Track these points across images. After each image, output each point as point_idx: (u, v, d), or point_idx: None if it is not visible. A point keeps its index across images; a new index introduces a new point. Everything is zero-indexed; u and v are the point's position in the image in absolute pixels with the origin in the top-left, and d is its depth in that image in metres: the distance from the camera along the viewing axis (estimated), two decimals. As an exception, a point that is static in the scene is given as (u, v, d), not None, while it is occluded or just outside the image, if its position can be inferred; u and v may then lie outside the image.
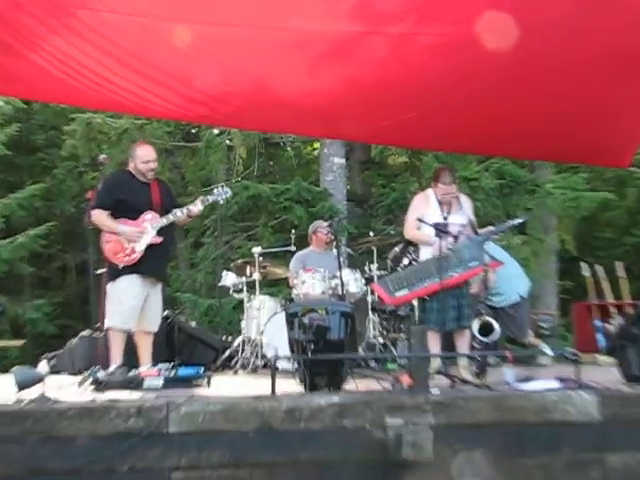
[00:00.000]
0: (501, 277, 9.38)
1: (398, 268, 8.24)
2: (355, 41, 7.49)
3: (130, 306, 7.79)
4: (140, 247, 7.82)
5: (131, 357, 8.10)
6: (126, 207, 7.88)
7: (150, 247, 7.85)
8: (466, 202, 8.30)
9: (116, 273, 7.82)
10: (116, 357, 7.76)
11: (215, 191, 8.43)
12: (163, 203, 8.07)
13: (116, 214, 7.89)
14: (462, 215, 8.08)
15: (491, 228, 8.47)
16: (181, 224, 8.51)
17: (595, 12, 7.09)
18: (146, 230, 7.86)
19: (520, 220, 8.76)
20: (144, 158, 8.09)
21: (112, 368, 7.61)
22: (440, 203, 8.10)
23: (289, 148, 17.85)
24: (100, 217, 7.87)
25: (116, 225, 7.81)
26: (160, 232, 7.92)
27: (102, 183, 8.11)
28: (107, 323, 7.82)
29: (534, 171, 16.54)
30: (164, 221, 7.94)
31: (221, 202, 8.68)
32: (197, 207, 8.13)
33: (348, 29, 7.35)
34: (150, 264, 7.88)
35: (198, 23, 7.32)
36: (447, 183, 8.05)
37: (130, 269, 7.81)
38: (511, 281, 9.66)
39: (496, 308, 9.61)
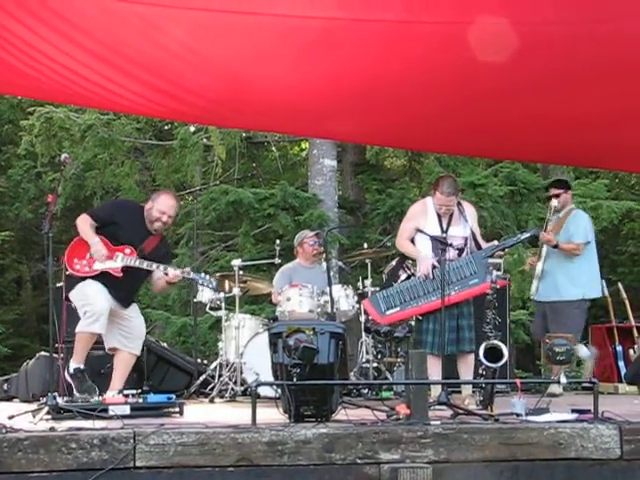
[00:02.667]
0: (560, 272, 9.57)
1: (394, 284, 8.26)
2: (345, 29, 7.51)
3: (102, 307, 7.99)
4: (97, 266, 8.09)
5: (98, 381, 8.13)
6: (116, 232, 8.17)
7: (115, 279, 8.12)
8: (469, 212, 8.33)
9: (77, 281, 8.09)
10: (79, 360, 8.04)
11: (203, 275, 8.60)
12: (152, 252, 8.34)
13: (103, 232, 8.16)
14: (464, 227, 8.12)
15: (495, 242, 8.49)
16: (158, 288, 8.71)
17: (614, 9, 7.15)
18: (115, 258, 8.13)
19: (529, 233, 8.84)
20: (162, 208, 8.36)
21: (72, 367, 7.86)
22: (439, 213, 8.14)
23: (274, 148, 17.89)
24: (85, 222, 8.18)
25: (92, 237, 8.07)
26: (128, 270, 8.16)
27: (118, 203, 8.52)
28: (77, 327, 8.00)
29: (548, 177, 16.59)
30: (136, 262, 8.16)
31: (200, 286, 9.14)
32: (176, 273, 8.31)
33: (338, 15, 7.38)
34: (113, 283, 8.14)
35: (172, 7, 7.33)
36: (446, 194, 8.10)
37: (94, 277, 8.08)
38: (565, 279, 9.70)
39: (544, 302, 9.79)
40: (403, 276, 8.32)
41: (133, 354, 8.36)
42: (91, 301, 7.99)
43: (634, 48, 7.51)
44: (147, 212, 8.36)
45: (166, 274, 8.24)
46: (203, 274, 8.65)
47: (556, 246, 9.59)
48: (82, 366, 8.03)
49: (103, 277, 8.10)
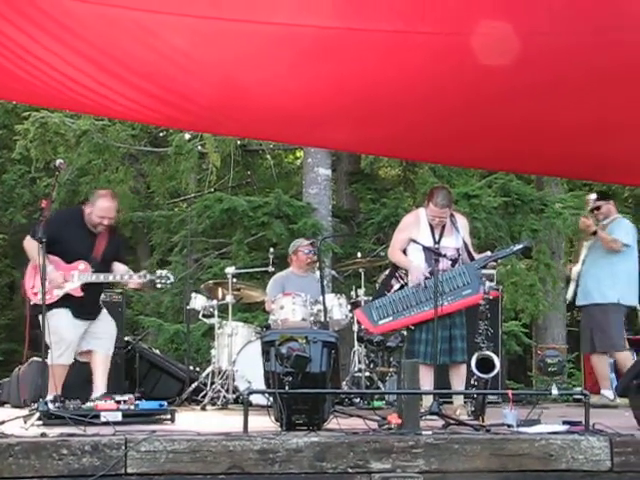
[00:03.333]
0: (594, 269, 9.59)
1: (387, 293, 8.28)
2: (341, 38, 7.52)
3: (70, 341, 8.24)
4: (57, 292, 8.17)
5: (86, 388, 8.13)
6: (63, 248, 8.20)
7: (78, 298, 8.24)
8: (462, 224, 8.35)
9: (38, 309, 7.97)
10: (56, 389, 8.03)
11: (158, 273, 8.68)
12: (104, 255, 8.43)
13: (52, 250, 8.02)
14: (456, 238, 8.14)
15: (488, 253, 8.51)
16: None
17: (612, 18, 7.17)
18: (72, 279, 8.23)
19: (522, 245, 8.81)
20: (101, 213, 8.42)
21: (50, 397, 7.63)
22: (431, 225, 8.15)
23: (268, 156, 17.90)
24: (32, 247, 8.02)
25: (46, 264, 7.79)
26: (87, 285, 8.27)
27: (51, 216, 8.20)
28: (49, 360, 7.97)
29: (542, 188, 16.64)
30: (92, 278, 8.27)
31: (159, 286, 9.01)
32: (137, 280, 8.52)
33: (333, 24, 7.39)
34: (79, 309, 8.29)
35: (168, 14, 7.34)
36: (440, 206, 8.12)
37: (58, 304, 8.18)
38: (603, 279, 9.69)
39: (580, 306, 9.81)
40: (396, 286, 8.34)
41: (108, 354, 8.48)
42: (59, 333, 8.04)
43: (628, 59, 7.54)
44: (87, 217, 8.41)
45: (127, 284, 8.56)
46: (159, 272, 8.68)
47: (595, 233, 9.63)
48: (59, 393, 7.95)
49: (66, 299, 8.20)
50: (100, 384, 8.30)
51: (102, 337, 8.48)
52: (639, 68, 7.65)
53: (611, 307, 9.56)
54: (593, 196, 9.77)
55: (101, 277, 8.32)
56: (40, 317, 7.82)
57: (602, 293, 9.63)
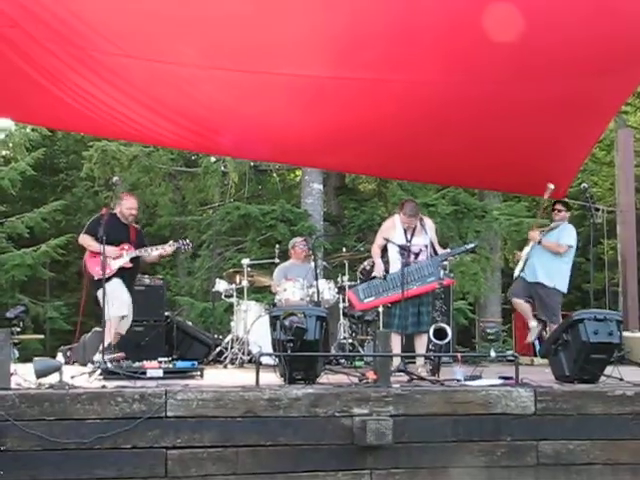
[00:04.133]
0: (541, 260, 9.45)
1: (370, 280, 8.27)
2: (334, 85, 7.53)
3: (126, 297, 8.32)
4: (114, 266, 8.21)
5: (136, 351, 8.12)
6: (110, 240, 8.04)
7: (123, 269, 8.33)
8: (429, 225, 8.35)
9: (95, 285, 8.18)
10: (112, 337, 8.10)
11: (180, 241, 8.89)
12: (137, 240, 8.57)
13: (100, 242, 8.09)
14: (424, 237, 8.14)
15: (448, 250, 8.54)
16: (150, 260, 8.89)
17: (545, 57, 7.18)
18: (122, 255, 8.32)
19: (473, 245, 8.89)
20: (128, 205, 8.61)
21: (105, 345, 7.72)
22: (404, 228, 8.16)
23: (275, 174, 17.82)
24: (87, 240, 8.33)
25: (99, 245, 7.89)
26: (133, 261, 8.43)
27: (93, 220, 8.57)
28: (107, 315, 7.84)
29: (483, 199, 16.57)
30: (137, 253, 8.44)
31: (182, 251, 9.30)
32: (169, 249, 8.69)
33: (327, 74, 7.40)
34: (125, 279, 8.39)
35: (198, 67, 7.35)
36: (408, 215, 8.11)
37: (114, 275, 8.22)
38: (549, 269, 9.53)
39: (529, 282, 9.55)
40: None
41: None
42: (117, 294, 8.12)
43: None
44: (120, 214, 8.52)
45: (162, 256, 8.73)
46: (181, 241, 8.90)
47: (539, 242, 9.41)
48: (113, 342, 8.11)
49: (120, 273, 8.27)
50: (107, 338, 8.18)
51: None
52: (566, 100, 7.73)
53: (552, 290, 9.44)
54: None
55: (142, 251, 8.47)
56: (99, 293, 7.96)
57: (547, 277, 9.45)
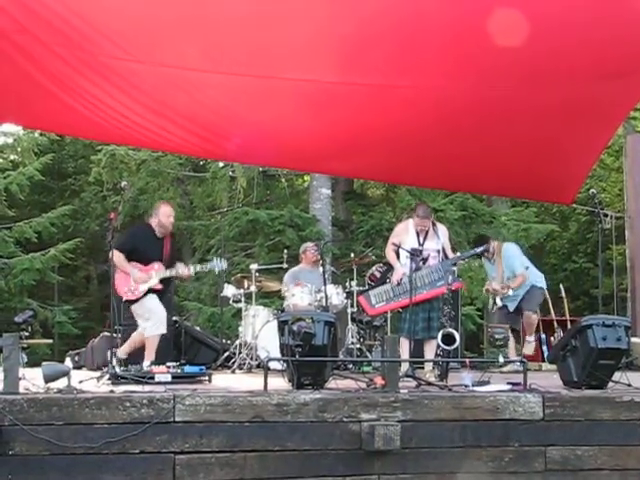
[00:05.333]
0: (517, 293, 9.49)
1: (383, 285, 8.30)
2: (340, 91, 7.53)
3: (163, 315, 8.20)
4: (142, 288, 8.11)
5: (143, 355, 8.14)
6: (140, 255, 8.16)
7: (159, 291, 8.22)
8: (442, 231, 8.40)
9: (134, 301, 8.14)
10: (151, 356, 8.04)
11: (215, 261, 8.76)
12: (170, 255, 8.40)
13: (131, 257, 8.14)
14: (436, 242, 8.18)
15: (458, 254, 8.58)
16: (179, 278, 8.87)
17: (554, 62, 7.18)
18: (151, 277, 8.14)
19: (482, 248, 8.86)
20: (168, 214, 8.42)
21: (146, 363, 7.80)
22: (417, 231, 8.20)
23: (283, 180, 17.85)
24: (119, 258, 8.04)
25: (130, 268, 8.06)
26: (163, 280, 8.26)
27: (128, 232, 8.56)
28: (147, 333, 8.08)
29: (491, 205, 16.60)
30: (166, 273, 8.24)
31: (216, 271, 9.12)
32: (202, 269, 8.79)
33: (335, 80, 7.40)
34: (161, 295, 8.27)
35: (206, 72, 7.36)
36: (420, 217, 8.18)
37: (147, 294, 8.13)
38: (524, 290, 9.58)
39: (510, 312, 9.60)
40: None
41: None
42: (154, 311, 8.12)
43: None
44: (159, 223, 8.31)
45: (189, 275, 8.55)
46: (216, 261, 8.75)
47: (510, 289, 9.38)
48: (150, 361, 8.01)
49: (149, 291, 8.17)
50: (126, 348, 8.34)
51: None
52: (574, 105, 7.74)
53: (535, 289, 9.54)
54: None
55: (174, 272, 8.29)
56: (134, 307, 8.11)
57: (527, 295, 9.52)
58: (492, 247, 9.61)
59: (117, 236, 8.20)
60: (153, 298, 8.15)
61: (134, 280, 8.04)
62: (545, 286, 9.78)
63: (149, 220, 8.53)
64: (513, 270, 9.50)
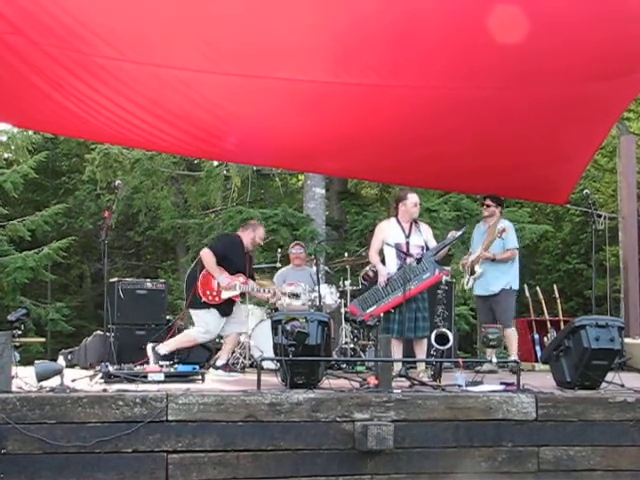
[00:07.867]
0: (496, 272, 9.27)
1: (372, 287, 8.26)
2: (334, 90, 7.53)
3: (215, 333, 8.45)
4: (224, 296, 8.25)
5: (138, 354, 8.12)
6: (229, 264, 8.32)
7: (234, 300, 8.42)
8: (424, 228, 8.34)
9: (198, 303, 8.26)
10: (172, 349, 8.23)
11: (277, 288, 9.19)
12: (250, 273, 8.62)
13: (221, 263, 8.28)
14: (419, 238, 8.13)
15: (437, 244, 8.37)
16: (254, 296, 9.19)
17: (548, 61, 7.19)
18: (236, 287, 8.29)
19: (461, 232, 8.49)
20: (262, 236, 8.79)
21: (162, 351, 8.04)
22: (402, 226, 8.13)
23: (277, 179, 17.85)
24: (211, 259, 8.23)
25: (219, 272, 8.21)
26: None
27: (225, 238, 9.04)
28: (197, 339, 8.41)
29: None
30: (248, 289, 8.53)
31: (278, 298, 9.24)
32: (270, 297, 9.01)
33: (327, 79, 7.40)
34: (226, 309, 8.35)
35: (200, 71, 7.35)
36: (415, 203, 8.18)
37: (210, 305, 8.25)
38: (506, 275, 9.30)
39: (486, 296, 9.39)
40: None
41: (240, 333, 8.82)
42: (210, 328, 8.27)
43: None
44: (251, 240, 8.58)
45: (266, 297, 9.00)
46: (278, 288, 9.19)
47: (494, 259, 9.20)
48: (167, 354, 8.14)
49: (223, 302, 8.28)
50: (224, 355, 8.54)
51: (239, 321, 8.65)
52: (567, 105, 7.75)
53: (510, 292, 9.26)
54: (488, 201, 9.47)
55: (255, 289, 8.66)
56: (197, 312, 8.30)
57: (505, 283, 9.22)
58: (488, 211, 9.53)
59: (215, 236, 8.39)
60: (215, 314, 8.29)
61: (221, 285, 8.19)
62: (517, 288, 9.56)
63: (241, 232, 8.70)
64: (505, 244, 9.29)
